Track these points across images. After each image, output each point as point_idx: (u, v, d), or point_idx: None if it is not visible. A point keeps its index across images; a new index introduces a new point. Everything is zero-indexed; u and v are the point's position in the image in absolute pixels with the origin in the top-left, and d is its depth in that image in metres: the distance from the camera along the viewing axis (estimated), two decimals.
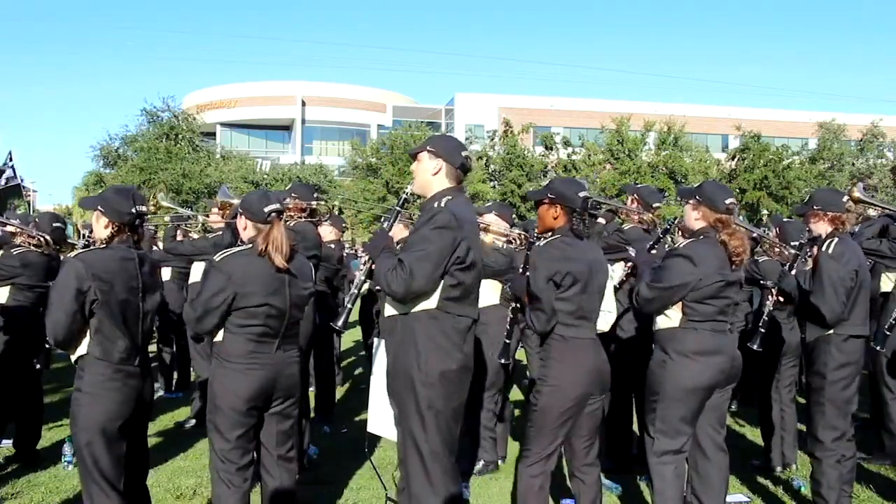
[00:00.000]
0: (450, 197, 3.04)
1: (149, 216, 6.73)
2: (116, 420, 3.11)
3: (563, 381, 3.19)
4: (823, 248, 3.64)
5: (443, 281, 2.95)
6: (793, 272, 3.91)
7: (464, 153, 3.16)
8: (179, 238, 6.08)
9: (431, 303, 2.97)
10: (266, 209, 3.18)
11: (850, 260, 3.64)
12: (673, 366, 3.29)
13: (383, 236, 3.13)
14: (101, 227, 3.18)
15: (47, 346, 3.63)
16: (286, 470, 3.31)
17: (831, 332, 3.68)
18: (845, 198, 3.81)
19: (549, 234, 3.34)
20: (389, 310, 3.06)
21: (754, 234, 5.08)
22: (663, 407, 3.31)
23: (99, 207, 3.17)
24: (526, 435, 3.33)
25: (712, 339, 3.29)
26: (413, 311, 2.99)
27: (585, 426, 3.32)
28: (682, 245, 3.37)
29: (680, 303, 3.28)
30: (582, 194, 3.28)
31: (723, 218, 3.34)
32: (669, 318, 3.33)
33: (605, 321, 3.41)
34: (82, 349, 3.13)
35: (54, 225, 5.09)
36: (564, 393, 3.19)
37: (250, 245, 3.18)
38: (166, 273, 6.83)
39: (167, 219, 6.62)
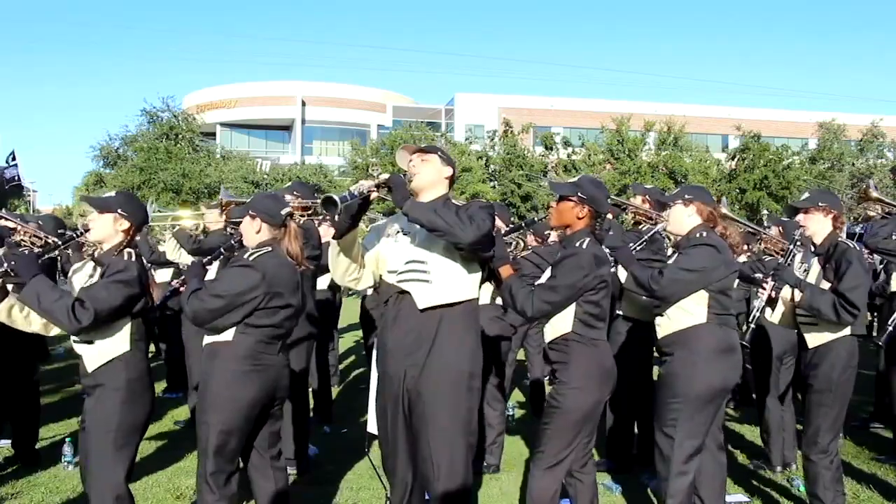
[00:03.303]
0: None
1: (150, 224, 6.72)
2: (148, 416, 3.18)
3: (588, 383, 3.14)
4: (850, 246, 3.61)
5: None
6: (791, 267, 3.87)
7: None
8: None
9: (475, 291, 2.99)
10: (283, 212, 3.27)
11: None
12: (702, 366, 3.24)
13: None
14: (116, 231, 3.17)
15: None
16: (278, 470, 3.31)
17: (842, 334, 3.63)
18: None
19: (567, 231, 3.27)
20: (430, 299, 2.92)
21: (750, 230, 5.06)
22: (692, 408, 3.25)
23: (119, 211, 3.17)
24: (542, 436, 3.23)
25: (730, 335, 3.34)
26: (462, 300, 2.94)
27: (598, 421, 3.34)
28: (702, 235, 3.36)
29: (705, 297, 3.26)
30: (609, 200, 3.34)
31: (716, 209, 3.42)
32: (693, 315, 3.28)
33: None
34: (118, 348, 3.09)
35: (60, 231, 5.14)
36: (588, 395, 3.14)
37: (270, 248, 3.20)
38: (166, 274, 6.83)
39: (168, 224, 6.61)
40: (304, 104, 43.58)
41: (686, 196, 3.46)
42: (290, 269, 3.21)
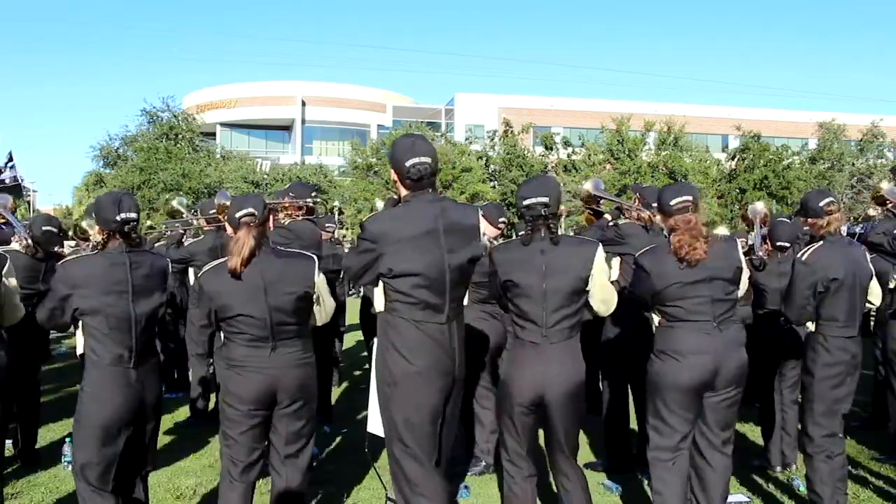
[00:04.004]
0: (379, 211, 3.23)
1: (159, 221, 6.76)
2: (113, 420, 3.17)
3: (506, 379, 3.29)
4: (798, 254, 3.78)
5: (382, 287, 3.10)
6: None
7: (410, 162, 3.07)
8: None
9: (380, 306, 3.14)
10: (237, 214, 3.23)
11: (827, 265, 3.67)
12: (657, 364, 3.37)
13: None
14: (96, 233, 3.35)
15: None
16: (295, 468, 3.32)
17: (814, 331, 3.79)
18: (824, 200, 3.82)
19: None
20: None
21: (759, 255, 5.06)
22: (652, 403, 3.42)
23: (93, 214, 3.36)
24: None
25: (691, 338, 3.29)
26: (377, 312, 3.18)
27: (559, 428, 3.26)
28: (640, 254, 3.49)
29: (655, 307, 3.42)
30: (528, 202, 3.24)
31: (671, 221, 3.38)
32: (653, 320, 3.47)
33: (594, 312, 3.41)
34: (79, 349, 3.29)
35: (44, 228, 5.08)
36: (506, 391, 3.26)
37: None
38: None
39: (164, 226, 6.63)
40: (304, 104, 43.56)
41: (655, 206, 3.60)
42: (236, 279, 3.16)
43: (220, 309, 3.19)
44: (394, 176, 3.21)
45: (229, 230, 3.34)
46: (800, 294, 3.69)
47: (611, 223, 5.02)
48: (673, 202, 3.36)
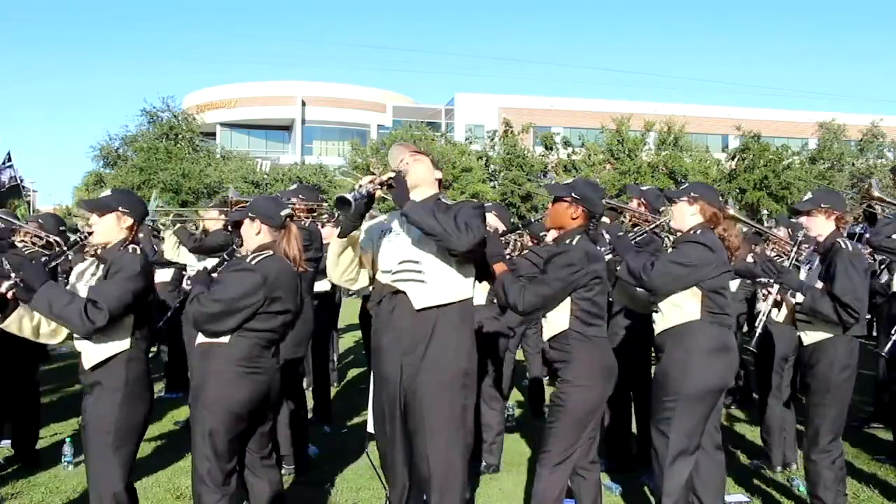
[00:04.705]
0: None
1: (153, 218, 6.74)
2: (145, 419, 3.19)
3: (591, 380, 3.17)
4: (843, 247, 3.58)
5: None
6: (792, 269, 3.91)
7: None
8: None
9: (469, 291, 3.05)
10: (283, 213, 3.25)
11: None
12: (695, 364, 3.24)
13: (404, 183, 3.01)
14: (120, 229, 3.18)
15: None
16: (273, 469, 3.32)
17: (838, 333, 3.62)
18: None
19: (561, 231, 3.34)
20: (426, 299, 2.96)
21: (756, 230, 5.06)
22: (684, 407, 3.25)
23: (120, 209, 3.18)
24: (547, 435, 3.24)
25: (726, 335, 3.32)
26: (456, 301, 3.00)
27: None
28: (696, 233, 3.38)
29: (699, 295, 3.26)
30: (604, 201, 3.40)
31: (721, 210, 3.45)
32: (685, 311, 3.28)
33: None
34: (119, 346, 3.08)
35: (61, 228, 5.16)
36: (592, 392, 3.17)
37: (271, 251, 3.19)
38: (167, 274, 6.83)
39: (166, 220, 6.59)
40: (304, 104, 43.55)
41: (692, 194, 3.46)
42: (290, 273, 3.19)
43: (272, 301, 3.07)
44: (437, 174, 3.23)
45: (264, 230, 3.23)
46: (863, 284, 3.53)
47: (625, 232, 4.95)
48: (719, 196, 3.53)
